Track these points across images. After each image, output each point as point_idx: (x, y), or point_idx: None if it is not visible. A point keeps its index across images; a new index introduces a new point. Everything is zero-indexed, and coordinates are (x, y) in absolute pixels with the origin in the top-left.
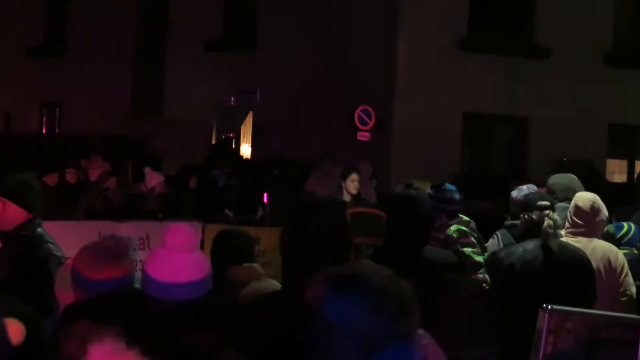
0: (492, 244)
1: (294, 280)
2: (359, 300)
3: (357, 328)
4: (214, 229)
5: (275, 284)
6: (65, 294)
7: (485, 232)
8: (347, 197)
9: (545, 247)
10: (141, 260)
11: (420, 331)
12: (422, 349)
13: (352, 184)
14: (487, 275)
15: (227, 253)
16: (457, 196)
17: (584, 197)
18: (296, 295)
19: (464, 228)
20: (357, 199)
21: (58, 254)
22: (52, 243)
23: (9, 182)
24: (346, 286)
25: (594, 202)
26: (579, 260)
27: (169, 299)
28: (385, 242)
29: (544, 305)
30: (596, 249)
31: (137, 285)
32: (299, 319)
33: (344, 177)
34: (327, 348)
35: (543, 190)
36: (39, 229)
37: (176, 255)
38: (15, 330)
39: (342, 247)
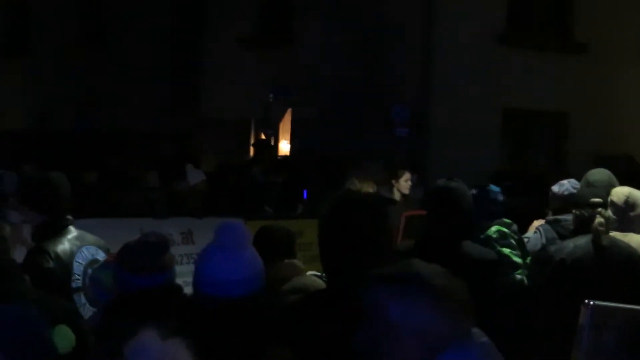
0: (535, 238)
1: (338, 279)
2: (423, 300)
3: (423, 328)
4: (254, 226)
5: (316, 280)
6: (105, 290)
7: (522, 228)
8: (397, 197)
9: (596, 244)
10: (187, 255)
11: (476, 329)
12: (481, 347)
13: (405, 184)
14: (525, 277)
15: (267, 249)
16: (500, 197)
17: (619, 192)
18: (342, 294)
19: (504, 229)
20: (407, 199)
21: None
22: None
23: (23, 185)
24: (410, 286)
25: (628, 197)
26: (630, 256)
27: (221, 295)
28: (424, 235)
29: (586, 300)
30: (631, 243)
31: (178, 279)
32: (349, 318)
33: (396, 176)
34: (391, 350)
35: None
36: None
37: (229, 253)
38: (64, 337)
39: (384, 245)
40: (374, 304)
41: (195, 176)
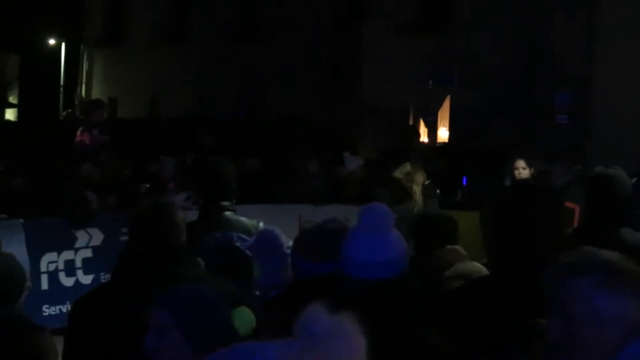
0: None
1: (509, 266)
2: (626, 288)
3: (626, 316)
4: None
5: (479, 267)
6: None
7: None
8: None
9: None
10: None
11: None
12: None
13: (523, 172)
14: None
15: (430, 236)
16: None
17: None
18: (515, 282)
19: None
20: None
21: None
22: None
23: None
24: (612, 275)
25: None
26: None
27: (366, 277)
28: (582, 222)
29: None
30: None
31: None
32: (519, 306)
33: (515, 167)
34: (592, 339)
35: None
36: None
37: (373, 235)
38: (245, 319)
39: (557, 232)
40: (572, 295)
41: (353, 163)
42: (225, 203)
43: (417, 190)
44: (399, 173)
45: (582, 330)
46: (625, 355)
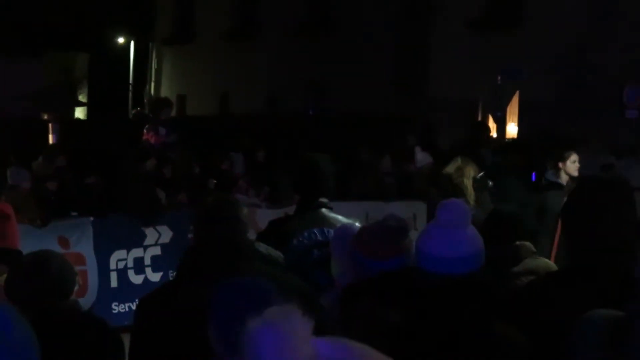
0: None
1: (581, 260)
2: None
3: None
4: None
5: (548, 263)
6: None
7: None
8: (564, 180)
9: None
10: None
11: None
12: None
13: (572, 166)
14: None
15: (499, 231)
16: None
17: None
18: (596, 272)
19: None
20: (575, 182)
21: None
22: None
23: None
24: None
25: None
26: None
27: (442, 273)
28: None
29: None
30: None
31: None
32: (591, 300)
33: (563, 158)
34: None
35: None
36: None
37: (451, 230)
38: None
39: (627, 226)
40: None
41: (422, 159)
42: (323, 200)
43: (468, 184)
44: (449, 168)
45: None
46: None
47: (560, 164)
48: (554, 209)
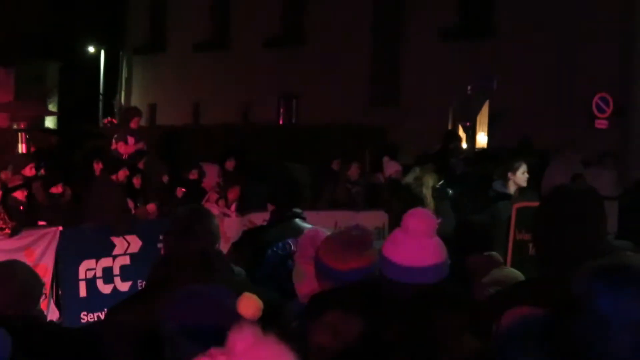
0: None
1: (548, 270)
2: (633, 292)
3: (636, 322)
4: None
5: (515, 273)
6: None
7: None
8: (512, 190)
9: None
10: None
11: None
12: None
13: (522, 177)
14: None
15: (466, 241)
16: None
17: None
18: (552, 285)
19: None
20: (523, 191)
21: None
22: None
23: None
24: (619, 278)
25: None
26: None
27: (409, 282)
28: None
29: None
30: None
31: None
32: (560, 309)
33: (513, 168)
34: (601, 342)
35: None
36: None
37: (418, 239)
38: (249, 305)
39: (596, 236)
40: (585, 296)
41: (390, 168)
42: (297, 210)
43: (427, 194)
44: (408, 178)
45: (592, 331)
46: None
47: (510, 174)
48: (505, 219)
